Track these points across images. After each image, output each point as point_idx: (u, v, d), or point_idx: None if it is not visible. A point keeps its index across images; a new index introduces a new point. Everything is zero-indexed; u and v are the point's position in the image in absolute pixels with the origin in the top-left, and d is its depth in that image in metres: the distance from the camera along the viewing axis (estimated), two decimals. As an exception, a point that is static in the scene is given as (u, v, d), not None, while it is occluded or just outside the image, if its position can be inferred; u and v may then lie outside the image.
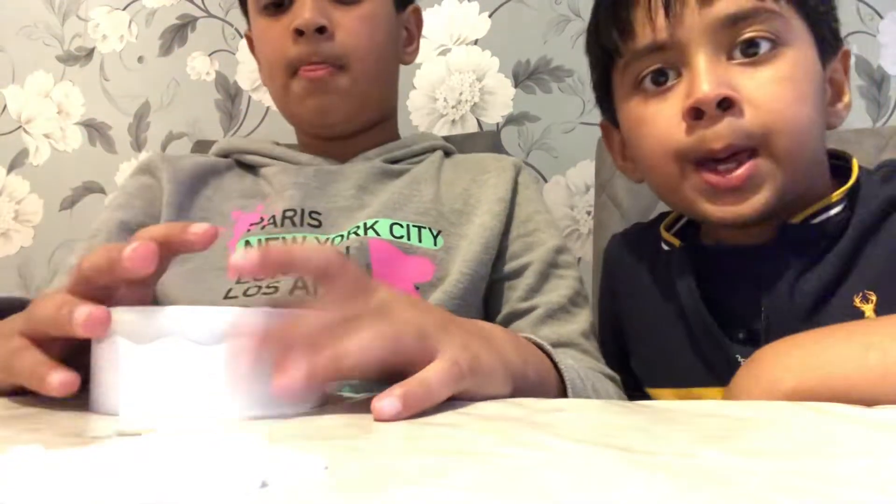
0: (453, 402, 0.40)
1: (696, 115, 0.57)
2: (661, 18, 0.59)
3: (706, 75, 0.57)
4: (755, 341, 0.57)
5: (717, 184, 0.58)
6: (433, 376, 0.38)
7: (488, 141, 1.08)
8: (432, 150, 0.84)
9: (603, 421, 0.36)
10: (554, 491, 0.22)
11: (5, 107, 1.55)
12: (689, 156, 0.59)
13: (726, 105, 0.56)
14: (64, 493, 0.20)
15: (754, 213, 0.58)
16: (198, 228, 0.40)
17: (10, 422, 0.35)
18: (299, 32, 0.74)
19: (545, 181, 1.34)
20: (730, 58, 0.58)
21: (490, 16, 1.36)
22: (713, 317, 0.61)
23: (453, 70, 1.37)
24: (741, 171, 0.57)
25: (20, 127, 1.55)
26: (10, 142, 1.55)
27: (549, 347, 0.54)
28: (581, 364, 0.62)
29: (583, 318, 0.71)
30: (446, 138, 0.94)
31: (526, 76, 1.35)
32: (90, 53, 1.52)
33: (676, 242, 0.67)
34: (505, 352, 0.46)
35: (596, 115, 1.07)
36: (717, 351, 0.60)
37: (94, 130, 1.52)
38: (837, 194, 0.60)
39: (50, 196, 1.53)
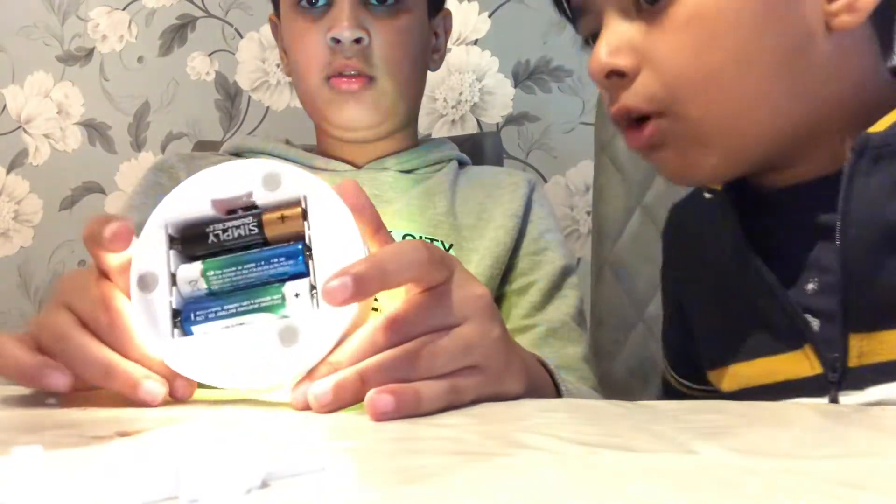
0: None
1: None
2: None
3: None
4: (829, 292, 0.49)
5: (631, 147, 0.53)
6: (427, 392, 0.37)
7: (488, 141, 1.08)
8: (448, 160, 0.84)
9: (603, 421, 0.36)
10: (554, 491, 0.22)
11: (5, 107, 1.55)
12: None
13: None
14: (64, 493, 0.20)
15: (690, 177, 0.52)
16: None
17: (10, 422, 0.35)
18: (336, 41, 0.73)
19: (545, 181, 1.34)
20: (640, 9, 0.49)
21: (490, 16, 1.36)
22: (774, 271, 0.51)
23: (453, 70, 1.37)
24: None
25: (20, 127, 1.55)
26: (9, 142, 1.55)
27: (552, 366, 0.54)
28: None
29: (584, 340, 0.72)
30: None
31: (526, 76, 1.35)
32: (90, 53, 1.52)
33: (718, 187, 0.58)
34: (524, 355, 0.47)
35: (594, 116, 1.07)
36: (779, 311, 0.51)
37: (94, 130, 1.52)
38: None
39: (50, 196, 1.53)
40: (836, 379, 0.49)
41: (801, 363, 0.50)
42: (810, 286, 0.51)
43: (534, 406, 0.40)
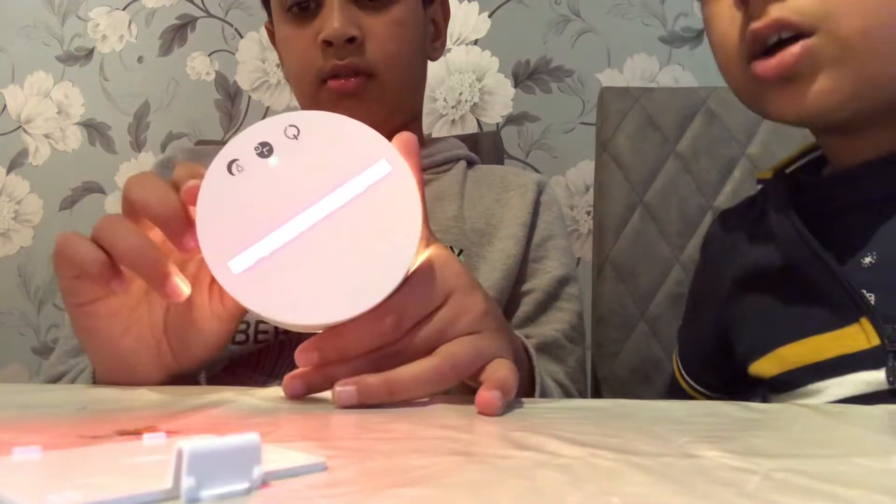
0: (453, 402, 0.40)
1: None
2: None
3: None
4: (888, 264, 0.50)
5: (764, 74, 0.51)
6: (510, 378, 0.39)
7: (488, 141, 1.08)
8: (456, 159, 0.82)
9: (603, 421, 0.36)
10: (554, 491, 0.22)
11: (5, 107, 1.55)
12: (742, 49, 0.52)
13: None
14: (64, 493, 0.20)
15: (813, 106, 0.50)
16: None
17: (10, 422, 0.35)
18: (328, 43, 0.70)
19: (545, 181, 1.34)
20: None
21: (490, 16, 1.37)
22: (829, 249, 0.52)
23: (453, 70, 1.37)
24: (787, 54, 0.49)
25: (20, 127, 1.55)
26: (9, 142, 1.55)
27: (532, 351, 0.54)
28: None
29: (573, 358, 0.70)
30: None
31: (526, 76, 1.35)
32: (90, 53, 1.53)
33: (768, 175, 0.59)
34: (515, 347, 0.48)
35: (594, 116, 1.07)
36: (834, 286, 0.51)
37: (94, 130, 1.52)
38: None
39: (50, 196, 1.53)
40: (894, 348, 0.49)
41: (856, 337, 0.51)
42: (867, 260, 0.51)
43: (534, 406, 0.40)
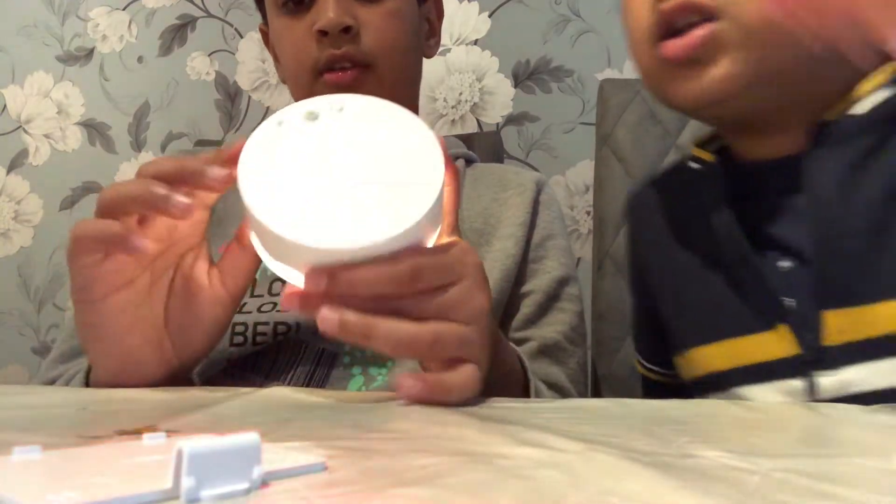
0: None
1: None
2: None
3: None
4: (803, 269, 0.49)
5: (670, 54, 0.50)
6: (455, 386, 0.40)
7: (488, 141, 1.08)
8: (454, 158, 0.81)
9: (603, 421, 0.36)
10: (554, 491, 0.22)
11: (5, 107, 1.55)
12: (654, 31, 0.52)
13: None
14: (63, 493, 0.20)
15: (714, 90, 0.50)
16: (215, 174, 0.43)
17: (10, 422, 0.35)
18: (323, 33, 0.70)
19: (545, 181, 1.34)
20: None
21: (490, 16, 1.36)
22: (754, 248, 0.51)
23: (453, 70, 1.37)
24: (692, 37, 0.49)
25: (20, 127, 1.55)
26: (9, 142, 1.55)
27: (526, 364, 0.54)
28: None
29: (574, 360, 0.69)
30: (447, 139, 0.93)
31: (526, 76, 1.35)
32: (90, 53, 1.52)
33: (709, 157, 0.58)
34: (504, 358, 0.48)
35: (594, 116, 1.07)
36: (757, 287, 0.50)
37: (94, 130, 1.52)
38: (886, 73, 0.49)
39: (50, 196, 1.53)
40: (811, 358, 0.48)
41: (775, 343, 0.50)
42: (783, 263, 0.51)
43: (534, 406, 0.40)
